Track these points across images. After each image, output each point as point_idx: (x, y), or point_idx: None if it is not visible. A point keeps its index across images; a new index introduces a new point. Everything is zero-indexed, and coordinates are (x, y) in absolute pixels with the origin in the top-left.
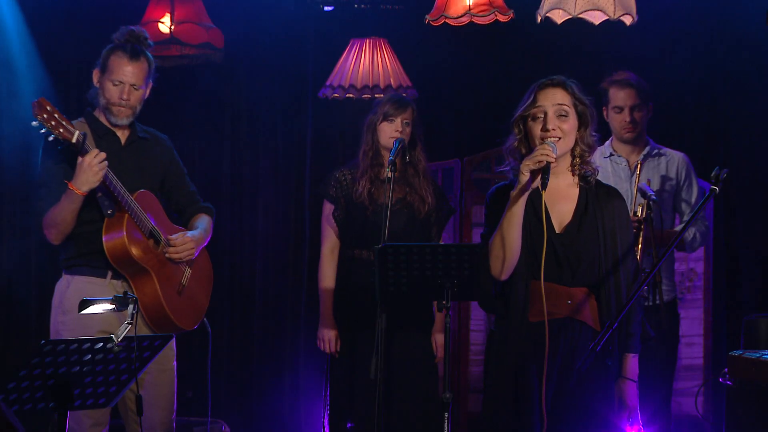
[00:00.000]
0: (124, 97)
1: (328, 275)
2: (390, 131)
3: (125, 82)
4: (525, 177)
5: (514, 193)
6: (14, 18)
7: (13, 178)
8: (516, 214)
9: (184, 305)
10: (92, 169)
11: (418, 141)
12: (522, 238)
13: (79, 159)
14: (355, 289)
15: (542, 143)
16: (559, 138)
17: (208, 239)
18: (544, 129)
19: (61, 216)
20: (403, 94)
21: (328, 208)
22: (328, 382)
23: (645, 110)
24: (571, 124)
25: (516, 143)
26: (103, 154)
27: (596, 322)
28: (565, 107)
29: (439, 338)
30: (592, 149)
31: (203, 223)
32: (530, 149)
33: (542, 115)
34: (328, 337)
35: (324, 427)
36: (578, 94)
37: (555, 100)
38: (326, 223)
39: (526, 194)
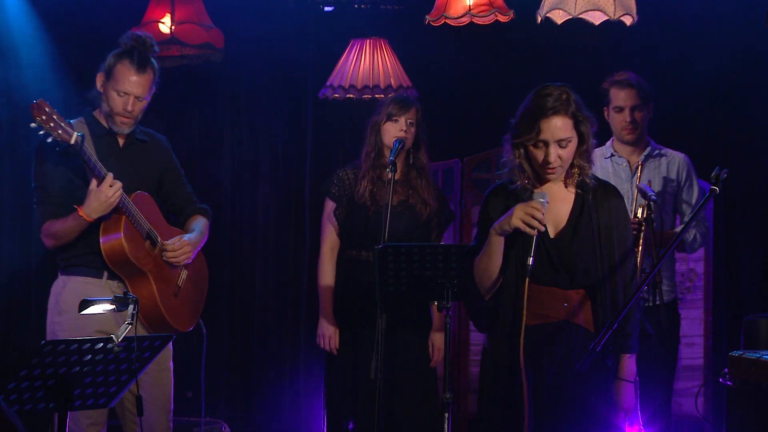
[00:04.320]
0: (129, 108)
1: (327, 273)
2: (394, 131)
3: (130, 93)
4: (509, 230)
5: (493, 231)
6: (20, 17)
7: (14, 178)
8: (495, 250)
9: (180, 307)
10: (109, 200)
11: (422, 143)
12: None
13: (93, 183)
14: (355, 291)
15: (533, 199)
16: (560, 167)
17: (205, 241)
18: (545, 162)
19: (65, 233)
20: (407, 95)
21: (329, 206)
22: (325, 380)
23: (645, 111)
24: (571, 149)
25: (517, 161)
26: (119, 184)
27: (590, 324)
28: (567, 139)
29: (437, 340)
30: (591, 164)
31: (199, 225)
32: (531, 166)
33: (544, 146)
34: (328, 334)
35: (323, 426)
36: (579, 115)
37: (557, 134)
38: (327, 221)
39: (506, 233)
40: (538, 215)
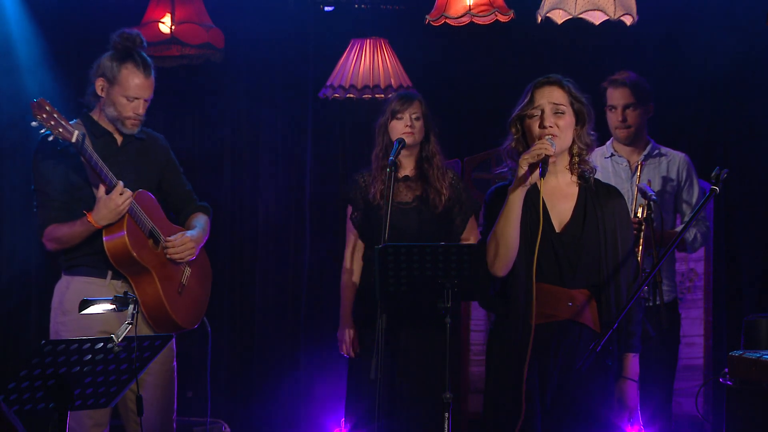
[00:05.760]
0: (140, 112)
1: (347, 277)
2: (400, 128)
3: (140, 97)
4: (523, 170)
5: (512, 187)
6: (20, 19)
7: (15, 179)
8: (514, 209)
9: (184, 304)
10: (119, 209)
11: (431, 134)
12: (522, 237)
13: (101, 190)
14: (370, 288)
15: (540, 139)
16: (556, 135)
17: (207, 238)
18: (542, 126)
19: (71, 238)
20: (410, 91)
21: (349, 210)
22: (348, 382)
23: (641, 110)
24: (567, 121)
25: (513, 143)
26: (129, 192)
27: (596, 324)
28: (561, 105)
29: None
30: (589, 148)
31: (201, 222)
32: (528, 148)
33: (539, 114)
34: (345, 339)
35: (342, 426)
36: (575, 92)
37: (552, 98)
38: (348, 225)
39: (525, 188)
40: (544, 144)
